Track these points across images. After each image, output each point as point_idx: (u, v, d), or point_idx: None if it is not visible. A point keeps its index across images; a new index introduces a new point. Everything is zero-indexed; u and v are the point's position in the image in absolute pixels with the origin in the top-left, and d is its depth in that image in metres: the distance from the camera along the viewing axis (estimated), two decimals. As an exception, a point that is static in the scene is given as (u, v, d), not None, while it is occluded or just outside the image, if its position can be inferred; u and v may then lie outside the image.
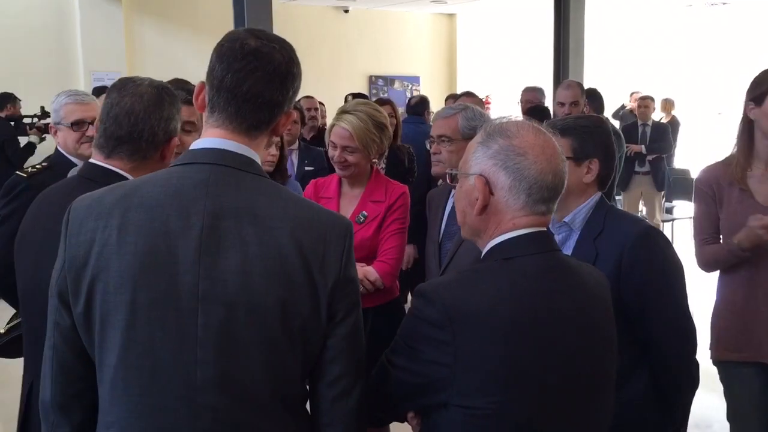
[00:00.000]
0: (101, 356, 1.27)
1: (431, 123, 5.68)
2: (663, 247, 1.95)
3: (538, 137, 1.41)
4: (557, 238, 2.07)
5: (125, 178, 1.71)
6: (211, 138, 1.30)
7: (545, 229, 1.42)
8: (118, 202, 1.26)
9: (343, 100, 7.10)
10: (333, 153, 2.69)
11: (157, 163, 1.77)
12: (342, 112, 2.71)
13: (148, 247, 1.22)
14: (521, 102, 5.63)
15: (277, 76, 1.31)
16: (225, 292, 1.21)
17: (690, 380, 1.95)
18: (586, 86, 5.09)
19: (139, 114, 1.72)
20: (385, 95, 10.74)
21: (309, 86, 8.02)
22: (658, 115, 9.31)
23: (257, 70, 1.29)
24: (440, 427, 1.36)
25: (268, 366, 1.25)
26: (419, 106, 6.05)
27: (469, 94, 5.19)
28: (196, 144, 1.32)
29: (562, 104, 4.49)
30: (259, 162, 1.33)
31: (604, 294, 1.48)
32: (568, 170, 1.93)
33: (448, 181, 1.65)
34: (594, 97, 5.10)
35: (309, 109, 5.71)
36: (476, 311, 1.31)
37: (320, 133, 5.75)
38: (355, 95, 5.95)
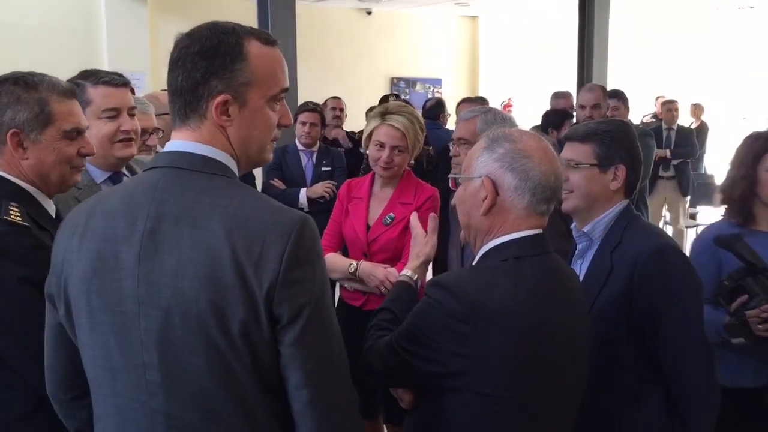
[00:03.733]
0: (82, 355, 1.33)
1: (448, 126, 5.67)
2: (678, 266, 1.85)
3: (540, 143, 1.52)
4: (578, 247, 2.03)
5: (4, 178, 1.68)
6: (173, 141, 1.31)
7: (542, 231, 1.52)
8: (87, 210, 1.31)
9: (365, 101, 7.11)
10: (379, 154, 2.65)
11: (12, 158, 1.68)
12: (386, 112, 2.68)
13: (99, 253, 1.26)
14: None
15: (179, 60, 1.27)
16: (160, 296, 1.21)
17: (709, 404, 1.85)
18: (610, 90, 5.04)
19: None
20: (407, 97, 10.71)
21: (331, 87, 8.08)
22: (687, 120, 9.19)
23: (169, 62, 1.30)
24: (452, 408, 1.43)
25: (214, 372, 1.21)
26: (434, 109, 6.02)
27: (469, 100, 5.11)
28: (165, 146, 1.33)
29: (583, 107, 4.46)
30: (224, 158, 1.29)
31: (582, 294, 1.63)
32: (589, 177, 1.94)
33: (450, 185, 1.68)
34: (622, 98, 5.06)
35: (334, 109, 5.73)
36: (497, 308, 1.39)
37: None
38: (384, 98, 5.97)
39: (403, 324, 1.50)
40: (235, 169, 1.31)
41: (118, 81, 2.12)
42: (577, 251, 2.04)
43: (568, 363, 1.50)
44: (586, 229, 1.97)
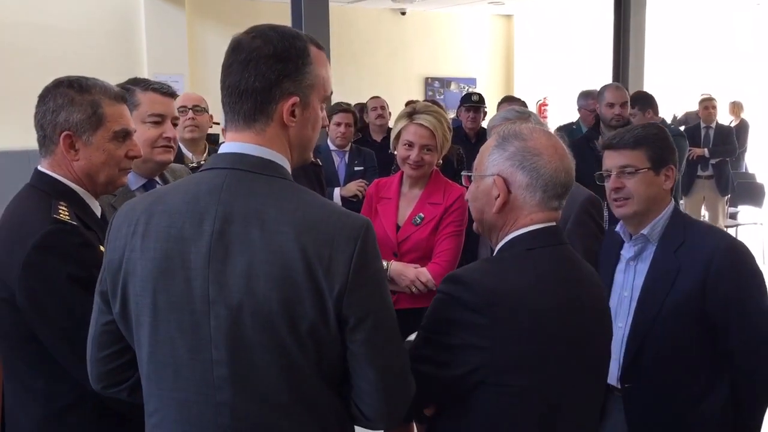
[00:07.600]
0: (138, 351, 1.35)
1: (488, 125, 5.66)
2: (750, 263, 1.98)
3: (550, 139, 1.54)
4: (632, 249, 2.10)
5: (54, 178, 1.73)
6: (231, 142, 1.33)
7: (555, 223, 1.54)
8: (146, 209, 1.32)
9: (401, 102, 7.13)
10: (407, 153, 2.68)
11: (63, 158, 1.72)
12: (414, 112, 2.70)
13: (165, 253, 1.28)
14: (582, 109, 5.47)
15: (250, 62, 1.29)
16: (231, 296, 1.24)
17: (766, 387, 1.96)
18: (647, 89, 4.93)
19: (36, 109, 1.74)
20: (441, 97, 10.71)
21: (365, 88, 8.11)
22: (727, 118, 9.01)
23: (233, 63, 1.31)
24: (475, 406, 1.44)
25: (282, 369, 1.25)
26: None
27: (511, 99, 5.13)
28: (221, 148, 1.35)
29: (612, 105, 4.35)
30: (281, 161, 1.32)
31: (601, 285, 1.64)
32: (646, 181, 2.03)
33: (463, 182, 1.71)
34: (649, 101, 4.91)
35: (375, 108, 5.68)
36: (510, 297, 1.41)
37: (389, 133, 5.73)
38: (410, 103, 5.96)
39: (418, 333, 1.51)
40: (289, 170, 1.34)
41: (166, 90, 2.21)
42: (631, 254, 2.11)
43: (584, 352, 1.50)
44: (645, 231, 2.05)
